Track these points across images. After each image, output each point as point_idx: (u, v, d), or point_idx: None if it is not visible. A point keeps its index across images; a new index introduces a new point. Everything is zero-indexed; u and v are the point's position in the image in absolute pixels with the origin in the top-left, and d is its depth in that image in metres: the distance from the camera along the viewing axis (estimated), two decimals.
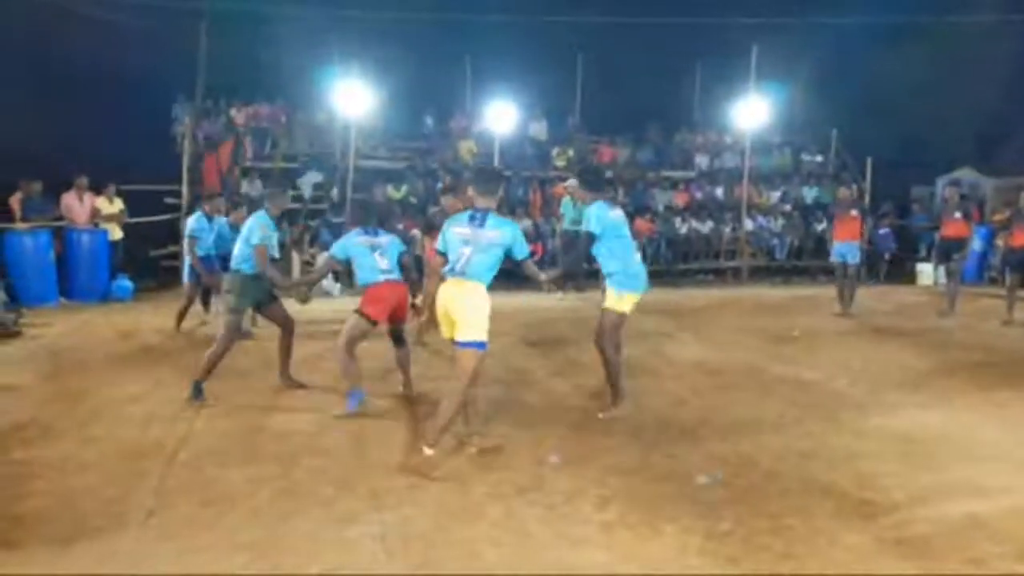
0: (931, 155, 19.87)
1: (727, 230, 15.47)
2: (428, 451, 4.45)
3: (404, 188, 14.26)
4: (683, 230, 15.21)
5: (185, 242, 8.89)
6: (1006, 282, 9.32)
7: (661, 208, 15.40)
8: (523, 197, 14.49)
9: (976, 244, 13.78)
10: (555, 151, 15.90)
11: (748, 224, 15.51)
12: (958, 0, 19.35)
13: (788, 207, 16.24)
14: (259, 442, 4.92)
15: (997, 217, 15.05)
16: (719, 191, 16.34)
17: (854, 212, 10.09)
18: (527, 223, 13.66)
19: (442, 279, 4.70)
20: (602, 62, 17.67)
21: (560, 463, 4.54)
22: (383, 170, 14.74)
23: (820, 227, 15.74)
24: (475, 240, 4.56)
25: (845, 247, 10.05)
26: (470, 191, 4.96)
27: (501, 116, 13.90)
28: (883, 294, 12.62)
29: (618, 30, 17.38)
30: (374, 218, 6.01)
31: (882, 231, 15.10)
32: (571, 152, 16.02)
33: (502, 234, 4.59)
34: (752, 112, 15.20)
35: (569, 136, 16.56)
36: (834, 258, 10.30)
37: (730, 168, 16.70)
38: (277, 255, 6.09)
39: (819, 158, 17.68)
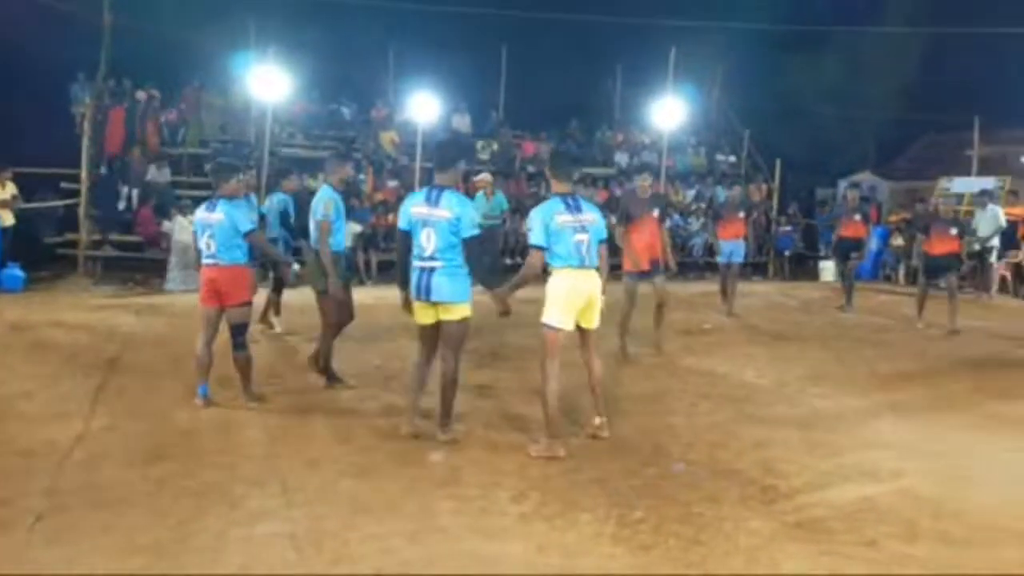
0: (835, 158, 20.83)
1: None
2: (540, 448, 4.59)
3: (321, 178, 13.94)
4: None
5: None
6: (919, 286, 9.55)
7: None
8: None
9: (873, 244, 14.56)
10: (479, 144, 15.88)
11: (666, 222, 15.86)
12: (864, 13, 20.31)
13: (703, 206, 16.69)
14: (163, 440, 4.71)
15: (893, 218, 15.94)
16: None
17: (741, 213, 10.19)
18: None
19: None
20: (526, 57, 17.73)
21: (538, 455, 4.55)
22: (300, 159, 14.38)
23: None
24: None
25: (732, 246, 10.03)
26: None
27: (424, 107, 13.74)
28: (788, 290, 13.15)
29: (542, 26, 17.47)
30: (217, 186, 5.53)
31: (786, 229, 15.72)
32: (495, 146, 16.03)
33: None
34: (670, 112, 15.55)
35: (493, 130, 16.56)
36: (722, 258, 10.18)
37: (648, 166, 17.03)
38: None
39: (732, 159, 18.24)
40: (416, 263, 4.63)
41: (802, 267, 15.82)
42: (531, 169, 15.98)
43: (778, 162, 16.53)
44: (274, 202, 8.12)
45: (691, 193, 16.98)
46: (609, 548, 3.47)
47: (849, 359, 7.56)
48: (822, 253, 15.83)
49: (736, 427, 5.25)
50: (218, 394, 5.51)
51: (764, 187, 12.12)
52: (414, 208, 4.63)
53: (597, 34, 18.25)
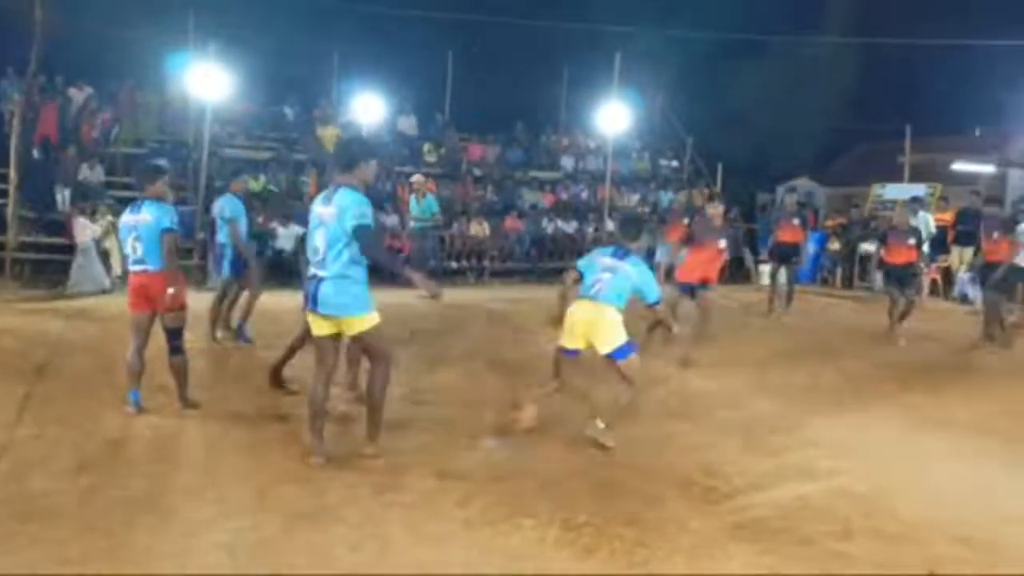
0: (774, 164, 21.40)
1: (590, 230, 15.94)
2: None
3: (262, 179, 13.68)
4: (549, 229, 15.53)
5: (225, 229, 7.52)
6: (891, 298, 9.24)
7: (528, 207, 15.65)
8: (391, 192, 14.28)
9: (811, 247, 14.95)
10: (425, 147, 15.80)
11: (610, 225, 16.04)
12: (804, 23, 20.93)
13: (647, 210, 16.91)
14: (92, 449, 4.53)
15: (830, 223, 16.41)
16: (583, 192, 16.81)
17: (685, 220, 10.40)
18: (395, 219, 13.48)
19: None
20: (473, 60, 17.76)
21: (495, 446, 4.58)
22: (242, 159, 14.08)
23: None
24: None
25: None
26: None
27: (369, 108, 13.61)
28: (728, 292, 13.37)
29: (489, 29, 17.52)
30: (142, 187, 5.26)
31: (729, 232, 16.00)
32: (442, 149, 15.97)
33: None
34: (614, 117, 15.74)
35: (439, 132, 16.50)
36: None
37: (593, 171, 17.23)
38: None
39: (675, 164, 18.54)
40: (310, 269, 4.31)
41: (742, 270, 16.14)
42: (477, 172, 15.97)
43: (720, 167, 16.86)
44: (223, 205, 7.66)
45: (635, 198, 17.20)
46: (553, 552, 3.47)
47: (789, 362, 7.72)
48: (762, 256, 16.16)
49: (680, 429, 5.32)
50: (151, 400, 5.32)
51: (706, 192, 12.33)
52: (317, 208, 4.34)
53: (544, 38, 18.38)
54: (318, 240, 4.24)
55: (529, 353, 7.64)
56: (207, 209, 10.26)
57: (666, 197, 17.43)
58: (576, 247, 15.66)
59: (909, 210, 12.05)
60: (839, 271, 14.99)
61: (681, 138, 18.51)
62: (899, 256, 9.05)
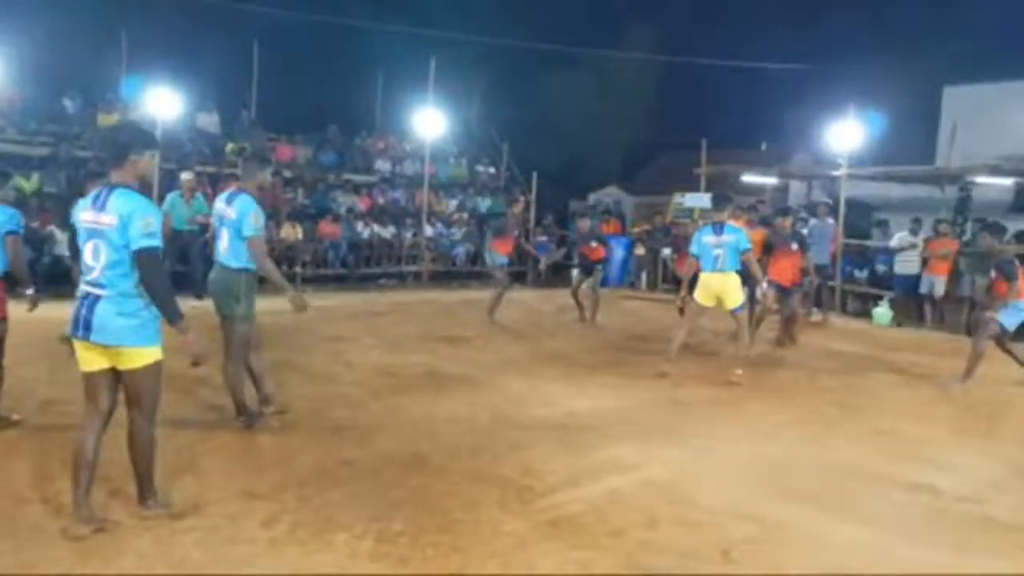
0: (586, 173, 22.39)
1: (408, 235, 15.79)
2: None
3: (35, 178, 12.22)
4: (365, 234, 15.19)
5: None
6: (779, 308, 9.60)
7: (344, 211, 15.21)
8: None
9: (619, 253, 15.78)
10: (229, 146, 14.87)
11: (428, 230, 15.99)
12: (612, 39, 22.13)
13: (465, 215, 17.05)
14: None
15: (636, 230, 17.41)
16: (400, 197, 16.63)
17: (517, 232, 10.74)
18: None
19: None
20: (281, 56, 16.98)
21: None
22: (15, 156, 12.52)
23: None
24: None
25: (509, 259, 10.62)
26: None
27: (164, 103, 12.55)
28: (545, 297, 13.78)
29: (298, 25, 16.87)
30: None
31: (543, 239, 16.53)
32: (248, 148, 15.08)
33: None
34: (431, 121, 15.71)
35: (244, 131, 15.60)
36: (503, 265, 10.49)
37: (411, 175, 17.09)
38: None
39: (492, 170, 18.86)
40: (82, 286, 3.57)
41: (558, 275, 16.71)
42: (287, 174, 15.28)
43: (535, 175, 17.35)
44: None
45: (454, 203, 17.28)
46: (366, 565, 3.34)
47: (602, 361, 8.06)
48: (575, 262, 16.81)
49: (496, 431, 5.34)
50: None
51: (522, 200, 12.56)
52: (82, 214, 3.59)
53: (358, 38, 18.02)
54: (91, 254, 3.52)
55: (342, 362, 7.42)
56: None
57: (484, 203, 17.69)
58: (394, 253, 15.47)
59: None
60: (644, 275, 15.93)
61: (497, 145, 18.85)
62: (788, 260, 9.24)
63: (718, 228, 7.19)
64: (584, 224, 10.91)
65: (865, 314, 12.43)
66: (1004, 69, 14.77)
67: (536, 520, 3.84)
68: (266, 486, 4.13)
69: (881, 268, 13.02)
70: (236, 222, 4.98)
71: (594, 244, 10.74)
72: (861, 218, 14.93)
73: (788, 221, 9.37)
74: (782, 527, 3.88)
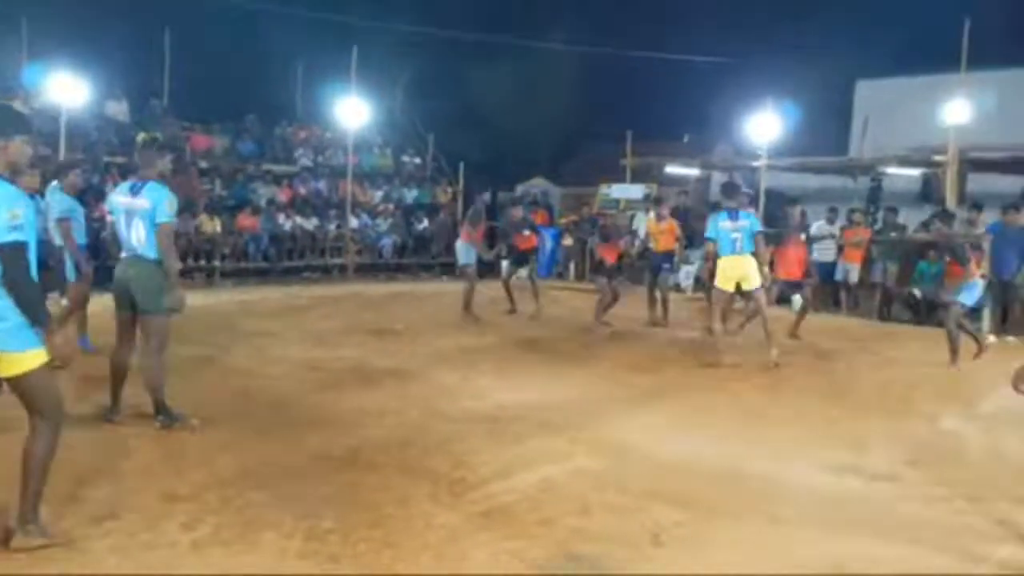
0: (512, 164, 22.37)
1: (332, 227, 15.47)
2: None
3: None
4: (287, 226, 14.82)
5: (58, 228, 6.56)
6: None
7: (264, 203, 14.79)
8: (99, 186, 12.64)
9: (548, 243, 15.86)
10: (140, 136, 14.22)
11: (353, 222, 15.71)
12: (537, 30, 22.14)
13: (391, 207, 16.82)
14: None
15: (564, 220, 17.52)
16: (323, 187, 16.28)
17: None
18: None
19: None
20: (195, 43, 16.33)
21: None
22: None
23: (421, 226, 16.64)
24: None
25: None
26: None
27: (68, 90, 11.88)
28: (477, 290, 13.73)
29: (213, 10, 16.25)
30: None
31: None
32: (160, 137, 14.46)
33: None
34: (354, 111, 15.42)
35: (156, 119, 14.95)
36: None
37: (334, 165, 16.74)
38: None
39: (417, 160, 18.66)
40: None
41: (487, 267, 16.69)
42: (204, 164, 14.72)
43: (461, 165, 17.25)
44: (54, 202, 6.63)
45: (379, 194, 17.02)
46: (295, 564, 3.25)
47: (533, 353, 8.08)
48: (504, 253, 16.80)
49: (427, 424, 5.29)
50: None
51: (449, 191, 12.48)
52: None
53: (277, 25, 17.50)
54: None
55: (265, 357, 7.22)
56: None
57: (410, 194, 17.49)
58: (318, 245, 15.13)
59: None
60: (572, 265, 16.06)
61: (422, 135, 18.66)
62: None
63: (734, 214, 7.54)
64: (517, 212, 10.88)
65: (785, 301, 12.83)
66: (914, 64, 15.44)
67: (468, 512, 3.81)
68: (187, 487, 3.98)
69: None
70: (150, 211, 4.76)
71: (526, 233, 10.74)
72: (779, 208, 15.41)
73: (797, 211, 9.69)
74: (711, 511, 3.96)
